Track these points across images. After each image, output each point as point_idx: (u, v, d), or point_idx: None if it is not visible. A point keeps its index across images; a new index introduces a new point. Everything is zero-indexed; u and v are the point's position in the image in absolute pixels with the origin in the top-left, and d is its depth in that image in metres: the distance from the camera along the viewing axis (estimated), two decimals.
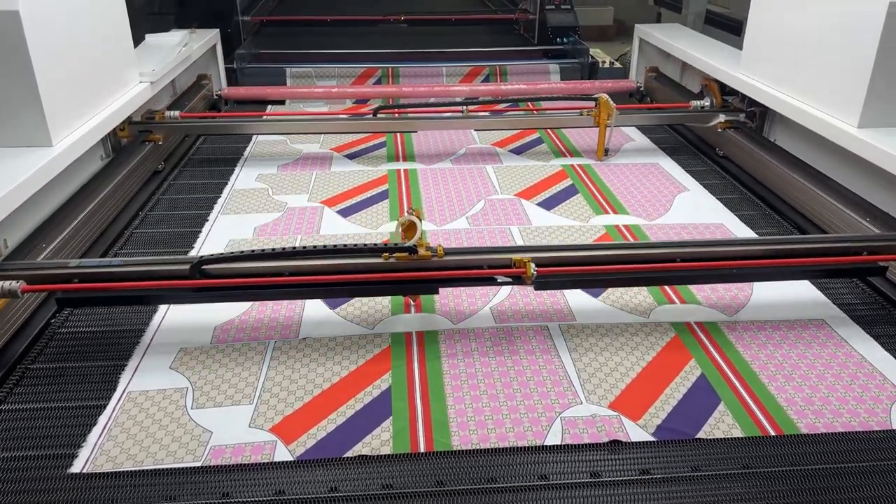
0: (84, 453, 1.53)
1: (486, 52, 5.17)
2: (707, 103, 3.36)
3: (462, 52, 5.09)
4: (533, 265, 1.81)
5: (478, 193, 2.89)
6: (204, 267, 1.81)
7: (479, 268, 1.86)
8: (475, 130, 3.63)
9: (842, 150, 2.40)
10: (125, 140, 2.94)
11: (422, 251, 1.83)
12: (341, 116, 3.72)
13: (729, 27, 5.74)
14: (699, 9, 6.53)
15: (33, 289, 1.76)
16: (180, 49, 3.44)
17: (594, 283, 2.05)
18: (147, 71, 2.97)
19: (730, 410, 1.65)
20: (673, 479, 1.46)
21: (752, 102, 3.13)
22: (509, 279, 1.86)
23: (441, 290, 2.16)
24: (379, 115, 3.38)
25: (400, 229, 1.89)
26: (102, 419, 1.63)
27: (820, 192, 2.50)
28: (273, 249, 1.85)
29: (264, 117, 3.70)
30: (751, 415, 1.64)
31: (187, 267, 1.80)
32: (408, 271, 1.86)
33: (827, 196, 2.46)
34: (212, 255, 1.83)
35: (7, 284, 1.68)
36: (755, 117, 3.17)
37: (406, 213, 1.88)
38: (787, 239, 2.29)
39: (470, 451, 1.54)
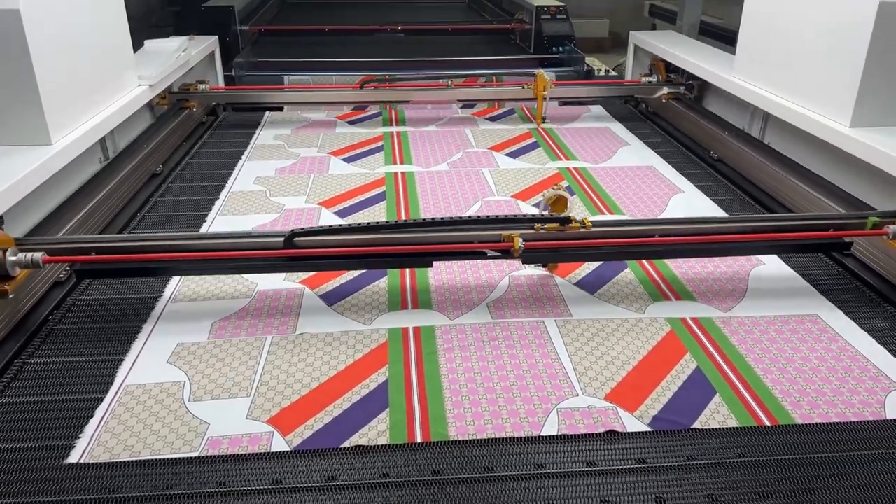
0: (81, 444, 1.53)
1: (482, 60, 5.22)
2: (654, 79, 3.99)
3: (459, 60, 5.12)
4: (521, 239, 1.93)
5: (474, 195, 2.91)
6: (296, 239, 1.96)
7: (469, 242, 2.01)
8: (457, 106, 4.26)
9: (828, 147, 2.46)
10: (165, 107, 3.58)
11: (573, 223, 2.00)
12: (348, 90, 4.15)
13: (723, 37, 5.81)
14: (693, 20, 6.61)
15: (54, 259, 1.90)
16: (179, 54, 3.47)
17: (577, 257, 2.21)
18: (146, 74, 2.99)
19: (725, 402, 1.66)
20: (668, 468, 1.47)
21: (690, 76, 3.78)
22: (498, 253, 1.99)
23: (436, 286, 2.18)
24: (373, 88, 3.99)
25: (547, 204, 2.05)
26: (99, 412, 1.63)
27: (809, 189, 2.55)
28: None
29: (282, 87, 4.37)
30: (746, 406, 1.64)
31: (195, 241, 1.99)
32: (557, 240, 2.02)
33: (810, 189, 2.53)
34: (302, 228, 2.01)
35: (29, 256, 1.84)
36: (693, 89, 3.79)
37: (553, 189, 2.04)
38: (759, 217, 2.52)
39: (467, 441, 1.54)
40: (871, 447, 1.52)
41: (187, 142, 3.51)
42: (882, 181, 2.30)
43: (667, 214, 2.69)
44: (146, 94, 2.94)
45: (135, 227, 2.58)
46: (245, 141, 3.60)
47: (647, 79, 4.14)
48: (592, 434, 1.56)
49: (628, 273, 2.26)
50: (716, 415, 1.62)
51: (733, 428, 1.58)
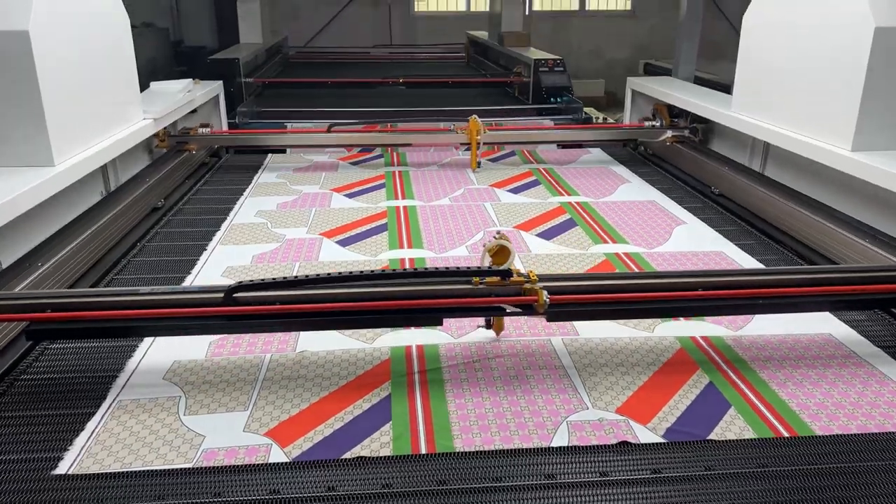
0: (70, 456, 1.46)
1: (483, 109, 5.29)
2: (657, 123, 3.95)
3: (459, 109, 5.19)
4: (545, 293, 1.67)
5: (476, 226, 2.90)
6: (235, 295, 1.66)
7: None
8: (461, 151, 4.18)
9: (827, 173, 2.46)
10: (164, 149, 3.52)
11: (515, 276, 1.69)
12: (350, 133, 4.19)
13: (718, 90, 5.93)
14: (688, 75, 6.76)
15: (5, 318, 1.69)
16: (184, 94, 3.52)
17: (610, 313, 1.90)
18: (151, 109, 3.03)
19: (741, 414, 1.60)
20: (686, 478, 1.40)
21: (694, 119, 3.74)
22: (519, 309, 1.72)
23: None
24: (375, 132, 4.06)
25: (487, 256, 1.76)
26: (90, 425, 1.57)
27: (821, 220, 2.52)
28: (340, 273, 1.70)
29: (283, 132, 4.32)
30: (763, 419, 1.58)
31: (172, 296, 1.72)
32: (503, 296, 1.71)
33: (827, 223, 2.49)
34: (246, 282, 1.68)
35: None
36: (697, 132, 3.75)
37: (493, 238, 1.76)
38: (805, 269, 2.26)
39: (473, 452, 1.48)
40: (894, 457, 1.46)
41: (189, 179, 3.51)
42: (881, 204, 2.30)
43: (671, 245, 2.66)
44: (150, 127, 2.96)
45: (135, 255, 2.55)
46: (246, 180, 3.61)
47: (651, 123, 4.20)
48: (605, 445, 1.50)
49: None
50: (732, 426, 1.56)
51: (752, 439, 1.52)
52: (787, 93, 2.72)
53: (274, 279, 1.72)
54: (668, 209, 3.09)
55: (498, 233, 1.82)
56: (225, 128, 4.48)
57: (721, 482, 1.39)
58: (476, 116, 3.73)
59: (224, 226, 2.89)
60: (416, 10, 11.10)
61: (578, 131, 4.37)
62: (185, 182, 3.47)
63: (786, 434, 1.53)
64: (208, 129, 4.01)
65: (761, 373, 1.77)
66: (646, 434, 1.53)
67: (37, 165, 2.16)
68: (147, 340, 1.93)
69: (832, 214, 2.52)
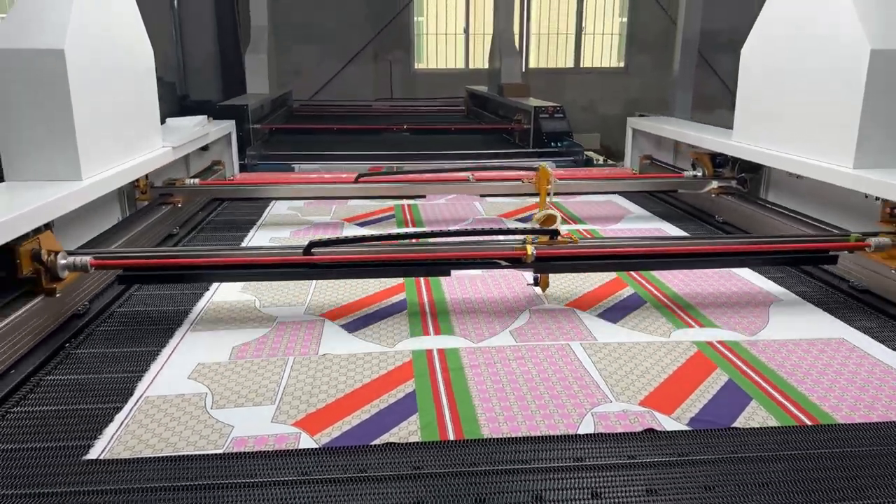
0: (100, 444, 1.47)
1: (485, 153, 5.43)
2: (699, 173, 3.54)
3: (462, 153, 5.32)
4: (532, 247, 2.11)
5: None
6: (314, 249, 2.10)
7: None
8: (479, 205, 3.76)
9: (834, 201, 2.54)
10: (145, 202, 3.03)
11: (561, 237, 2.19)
12: (349, 185, 3.64)
13: None
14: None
15: (101, 264, 2.08)
16: (198, 128, 3.61)
17: (587, 267, 2.43)
18: (170, 138, 3.11)
19: (762, 406, 1.62)
20: (712, 461, 1.41)
21: (742, 169, 3.33)
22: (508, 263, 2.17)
23: (458, 314, 2.18)
24: (386, 183, 3.59)
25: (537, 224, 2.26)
26: (119, 417, 1.57)
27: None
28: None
29: (277, 184, 3.78)
30: (785, 410, 1.61)
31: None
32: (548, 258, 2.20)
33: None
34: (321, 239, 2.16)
35: (78, 259, 2.02)
36: (746, 183, 3.34)
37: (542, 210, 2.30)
38: (753, 235, 2.90)
39: (502, 438, 1.49)
40: None
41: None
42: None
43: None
44: (168, 154, 3.03)
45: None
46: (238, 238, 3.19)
47: (692, 173, 3.58)
48: (631, 433, 1.51)
49: (648, 306, 2.26)
50: (755, 416, 1.57)
51: (776, 427, 1.54)
52: (787, 117, 2.81)
53: (338, 237, 2.25)
54: (673, 235, 3.14)
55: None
56: (236, 163, 4.54)
57: (748, 464, 1.40)
58: (546, 164, 2.90)
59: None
60: (416, 66, 11.41)
61: (605, 181, 4.00)
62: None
63: (808, 423, 1.55)
64: (197, 180, 3.47)
65: (779, 371, 1.80)
66: (670, 423, 1.55)
67: (65, 180, 2.21)
68: (170, 346, 1.96)
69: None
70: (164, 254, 2.25)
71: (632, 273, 2.59)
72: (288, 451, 1.45)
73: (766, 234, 2.88)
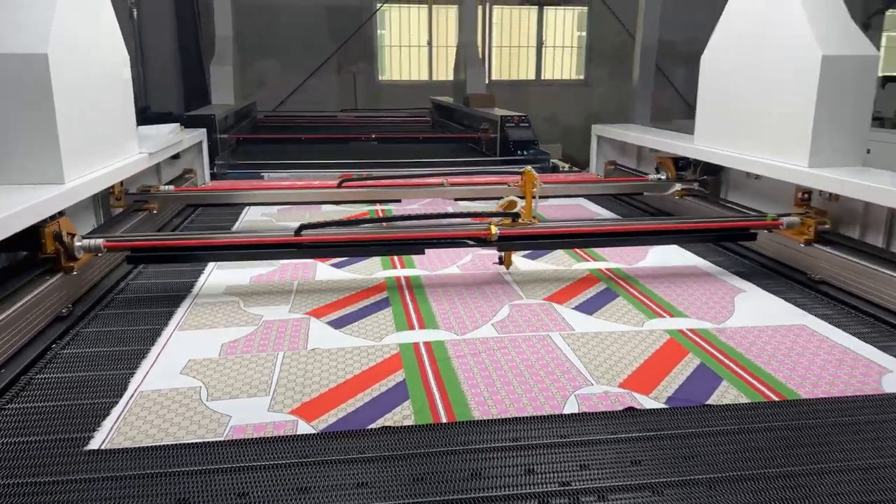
0: (100, 435, 1.49)
1: (455, 161, 5.52)
2: (663, 176, 3.71)
3: (432, 161, 5.40)
4: (496, 228, 2.43)
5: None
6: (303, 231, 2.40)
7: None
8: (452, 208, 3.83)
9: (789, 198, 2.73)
10: (120, 209, 3.03)
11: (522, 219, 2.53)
12: (326, 189, 3.74)
13: None
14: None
15: (113, 245, 2.34)
16: (171, 136, 3.63)
17: (542, 245, 2.81)
18: (146, 144, 3.12)
19: (733, 385, 1.73)
20: (690, 434, 1.51)
21: (704, 171, 3.51)
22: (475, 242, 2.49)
23: (440, 310, 2.25)
24: (363, 188, 3.64)
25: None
26: (116, 410, 1.60)
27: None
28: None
29: (252, 190, 3.83)
30: (753, 388, 1.71)
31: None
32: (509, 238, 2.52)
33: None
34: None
35: (93, 241, 2.27)
36: (707, 185, 3.53)
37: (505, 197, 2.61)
38: (683, 217, 3.25)
39: (492, 420, 1.56)
40: (873, 413, 1.60)
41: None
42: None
43: (646, 262, 2.83)
44: (145, 160, 3.05)
45: None
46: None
47: (656, 177, 3.76)
48: (613, 411, 1.60)
49: (620, 300, 2.37)
50: (727, 394, 1.68)
51: (746, 403, 1.64)
52: (746, 121, 2.97)
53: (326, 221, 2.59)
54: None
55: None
56: (207, 172, 4.55)
57: (722, 437, 1.50)
58: (531, 168, 2.98)
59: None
60: (380, 78, 11.49)
61: (573, 185, 4.12)
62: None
63: (776, 399, 1.66)
64: (171, 187, 3.53)
65: (747, 354, 1.91)
66: (649, 402, 1.64)
67: (47, 183, 2.22)
68: (160, 343, 1.98)
69: None
70: (169, 237, 2.63)
71: (603, 269, 2.70)
72: (287, 436, 1.50)
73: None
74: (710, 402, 1.65)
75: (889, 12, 10.62)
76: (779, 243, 2.74)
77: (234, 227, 3.45)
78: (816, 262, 2.53)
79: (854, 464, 1.40)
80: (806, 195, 2.67)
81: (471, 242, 2.50)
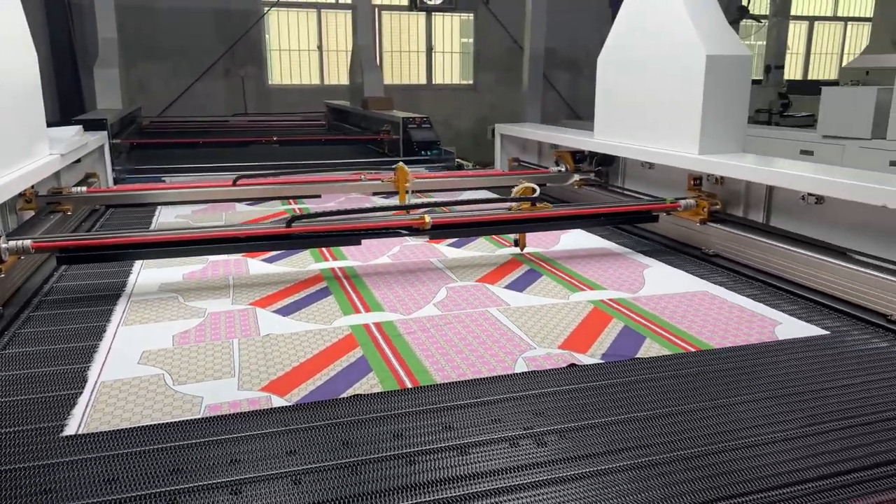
0: (74, 423, 1.51)
1: (360, 161, 5.61)
2: (563, 168, 4.09)
3: (337, 162, 5.47)
4: (429, 217, 2.60)
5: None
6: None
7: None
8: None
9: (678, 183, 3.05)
10: (31, 212, 2.92)
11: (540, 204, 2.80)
12: (242, 187, 3.82)
13: None
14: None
15: (41, 246, 2.27)
16: (77, 138, 3.51)
17: (472, 232, 3.01)
18: (57, 146, 3.02)
19: (655, 341, 1.96)
20: (624, 382, 1.72)
21: (599, 162, 3.92)
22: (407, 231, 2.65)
23: (382, 296, 2.37)
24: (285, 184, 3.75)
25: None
26: (82, 400, 1.61)
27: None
28: None
29: (166, 190, 3.82)
30: (672, 342, 1.96)
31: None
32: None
33: None
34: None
35: (20, 243, 2.20)
36: (601, 174, 3.96)
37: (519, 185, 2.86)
38: (596, 202, 3.50)
39: (454, 382, 1.71)
40: (767, 358, 1.88)
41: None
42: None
43: (560, 246, 3.07)
44: (58, 161, 2.95)
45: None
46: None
47: (557, 169, 4.11)
48: (558, 368, 1.79)
49: (545, 278, 2.58)
50: (651, 349, 1.91)
51: (669, 354, 1.88)
52: (641, 116, 3.28)
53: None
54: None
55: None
56: (110, 174, 4.40)
57: (652, 382, 1.72)
58: (403, 164, 3.74)
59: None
60: (270, 82, 11.35)
61: (499, 177, 4.42)
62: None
63: (693, 350, 1.91)
64: (83, 188, 3.46)
65: (662, 316, 2.17)
66: (587, 359, 1.84)
67: None
68: (108, 336, 1.98)
69: None
70: (101, 235, 2.46)
71: (524, 253, 2.91)
72: (265, 409, 1.57)
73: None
74: (638, 355, 1.88)
75: (743, 22, 11.70)
76: (677, 224, 3.06)
77: (152, 228, 3.40)
78: (710, 238, 2.86)
79: (757, 395, 1.66)
80: (697, 180, 3.01)
81: (404, 232, 2.64)
